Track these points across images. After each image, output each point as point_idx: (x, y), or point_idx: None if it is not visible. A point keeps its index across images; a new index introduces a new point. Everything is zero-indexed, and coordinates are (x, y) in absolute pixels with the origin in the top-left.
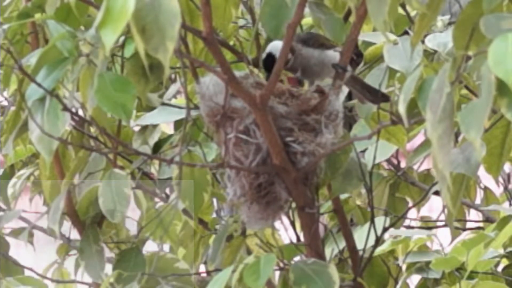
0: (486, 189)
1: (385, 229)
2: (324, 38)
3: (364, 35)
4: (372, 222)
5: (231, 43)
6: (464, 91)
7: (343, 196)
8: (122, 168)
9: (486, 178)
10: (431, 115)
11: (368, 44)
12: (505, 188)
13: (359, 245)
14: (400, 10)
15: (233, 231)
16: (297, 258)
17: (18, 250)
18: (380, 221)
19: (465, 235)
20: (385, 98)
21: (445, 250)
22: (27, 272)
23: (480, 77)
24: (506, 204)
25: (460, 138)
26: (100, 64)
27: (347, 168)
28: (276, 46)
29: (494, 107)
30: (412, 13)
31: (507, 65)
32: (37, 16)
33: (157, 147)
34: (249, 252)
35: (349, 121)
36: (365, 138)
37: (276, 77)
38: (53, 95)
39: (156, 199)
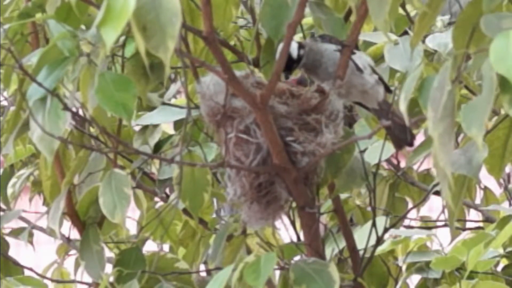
0: (486, 189)
1: (386, 229)
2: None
3: (365, 35)
4: (374, 222)
5: (232, 43)
6: (464, 91)
7: (343, 196)
8: (122, 168)
9: (486, 178)
10: (433, 112)
11: (369, 44)
12: (505, 188)
13: (359, 245)
14: (400, 10)
15: (233, 230)
16: (297, 258)
17: (18, 250)
18: (381, 221)
19: (465, 235)
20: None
21: (445, 250)
22: (27, 272)
23: (480, 76)
24: (506, 204)
25: (460, 139)
26: (100, 64)
27: (351, 166)
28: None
29: (496, 108)
30: (412, 13)
31: (509, 62)
32: (38, 16)
33: (157, 147)
34: (249, 252)
35: (349, 121)
36: (365, 137)
37: (276, 76)
38: (54, 94)
39: (156, 199)
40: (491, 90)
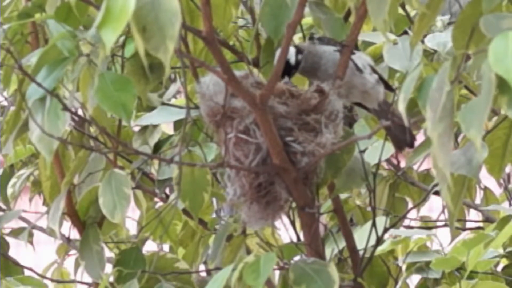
0: (486, 189)
1: (385, 229)
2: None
3: (364, 35)
4: (374, 222)
5: (231, 43)
6: (464, 91)
7: (343, 196)
8: (122, 168)
9: (486, 178)
10: (431, 113)
11: (368, 44)
12: (505, 188)
13: (359, 245)
14: (400, 10)
15: (233, 230)
16: (297, 258)
17: (18, 250)
18: (381, 221)
19: (465, 235)
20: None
21: (445, 250)
22: (27, 272)
23: (480, 76)
24: (506, 204)
25: (460, 139)
26: (100, 64)
27: (351, 166)
28: (289, 51)
29: (496, 108)
30: (412, 13)
31: (508, 63)
32: (37, 16)
33: (157, 147)
34: (249, 252)
35: (349, 121)
36: (365, 137)
37: (275, 77)
38: (53, 95)
39: (156, 199)
40: (489, 91)
